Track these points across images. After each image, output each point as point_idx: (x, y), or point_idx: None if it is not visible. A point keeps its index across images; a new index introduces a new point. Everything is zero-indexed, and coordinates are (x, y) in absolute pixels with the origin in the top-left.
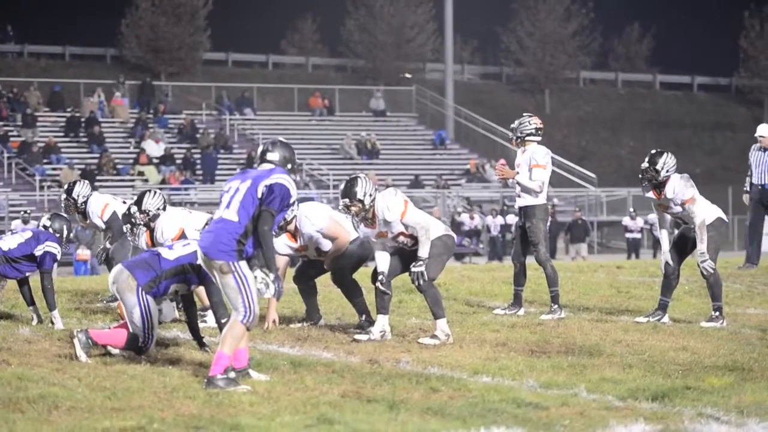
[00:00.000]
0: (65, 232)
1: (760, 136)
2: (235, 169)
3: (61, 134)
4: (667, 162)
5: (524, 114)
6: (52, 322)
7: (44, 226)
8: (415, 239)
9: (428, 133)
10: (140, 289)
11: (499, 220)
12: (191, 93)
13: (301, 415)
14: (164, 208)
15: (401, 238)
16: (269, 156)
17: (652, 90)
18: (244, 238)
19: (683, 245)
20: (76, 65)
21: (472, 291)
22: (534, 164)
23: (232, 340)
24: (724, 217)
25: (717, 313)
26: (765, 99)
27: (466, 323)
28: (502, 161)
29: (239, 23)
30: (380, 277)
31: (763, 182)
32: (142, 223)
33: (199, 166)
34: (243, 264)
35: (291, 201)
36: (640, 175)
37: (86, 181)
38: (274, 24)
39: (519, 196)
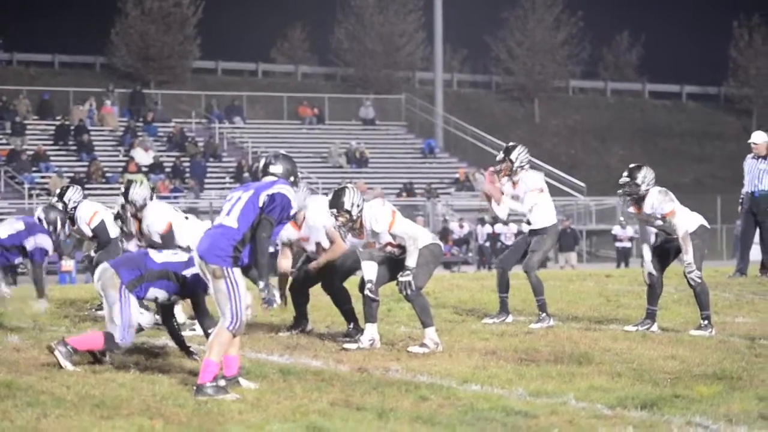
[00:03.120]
0: (59, 225)
1: (753, 143)
2: (224, 178)
3: (50, 142)
4: (646, 175)
5: (511, 144)
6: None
7: (39, 219)
8: (402, 248)
9: (417, 141)
10: (123, 286)
11: (487, 228)
12: (181, 101)
13: (291, 423)
14: (151, 198)
15: (389, 248)
16: (272, 169)
17: (641, 99)
18: (241, 245)
19: (665, 253)
20: (65, 73)
21: (461, 300)
22: (530, 190)
23: (219, 346)
24: (706, 224)
25: (705, 322)
26: (754, 108)
27: (455, 332)
28: (488, 170)
29: (229, 31)
30: (368, 286)
31: (753, 189)
32: (130, 214)
33: (188, 175)
34: (237, 271)
35: (291, 212)
36: (620, 190)
37: (78, 187)
38: (263, 32)
39: (528, 223)
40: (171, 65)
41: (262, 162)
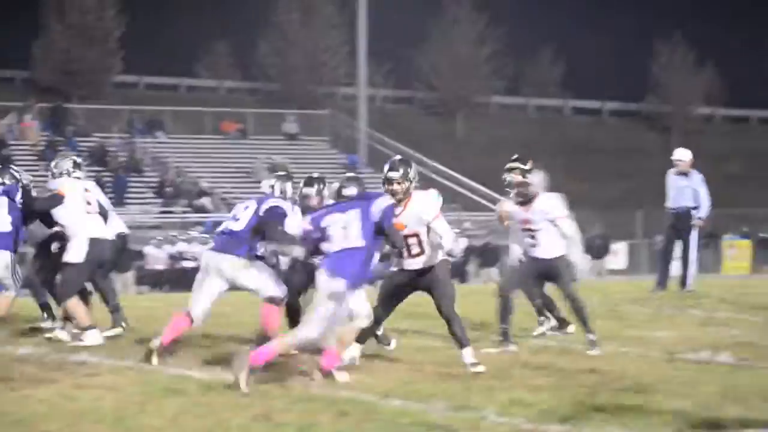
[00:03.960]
0: (18, 178)
1: (677, 160)
2: (145, 193)
3: None
4: (538, 176)
5: (518, 161)
6: None
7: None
8: (419, 249)
9: (341, 156)
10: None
11: None
12: (103, 116)
13: None
14: (69, 174)
15: (411, 239)
16: (345, 192)
17: (562, 115)
18: (369, 259)
19: (532, 274)
20: None
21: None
22: (560, 216)
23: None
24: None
25: (591, 336)
26: (673, 125)
27: (379, 346)
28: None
29: (152, 46)
30: None
31: (676, 206)
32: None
33: (110, 189)
34: None
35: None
36: (512, 188)
37: None
38: (187, 47)
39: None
40: (93, 80)
41: (336, 186)
